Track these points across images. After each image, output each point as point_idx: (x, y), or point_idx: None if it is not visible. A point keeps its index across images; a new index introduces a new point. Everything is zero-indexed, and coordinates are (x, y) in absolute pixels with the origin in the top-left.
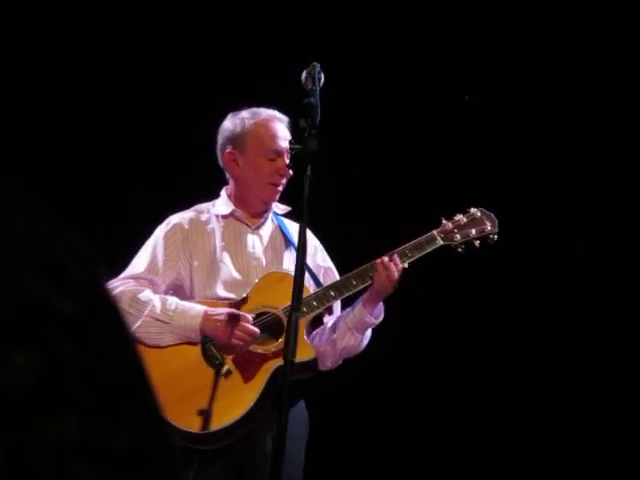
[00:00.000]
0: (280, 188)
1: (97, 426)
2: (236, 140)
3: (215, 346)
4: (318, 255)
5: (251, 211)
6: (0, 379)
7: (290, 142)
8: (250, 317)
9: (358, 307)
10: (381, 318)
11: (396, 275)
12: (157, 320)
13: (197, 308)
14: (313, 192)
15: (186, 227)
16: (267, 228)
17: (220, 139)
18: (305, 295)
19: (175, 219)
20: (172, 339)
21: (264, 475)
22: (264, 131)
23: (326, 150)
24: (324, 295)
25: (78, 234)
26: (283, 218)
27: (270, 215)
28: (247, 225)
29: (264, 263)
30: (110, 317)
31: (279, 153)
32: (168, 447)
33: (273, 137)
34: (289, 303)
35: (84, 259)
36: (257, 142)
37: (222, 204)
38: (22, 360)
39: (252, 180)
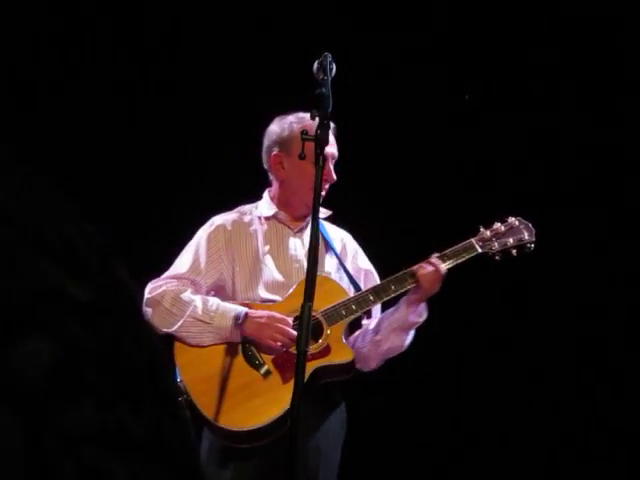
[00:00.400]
0: (324, 193)
1: (114, 411)
2: (283, 143)
3: (255, 346)
4: (359, 258)
5: (294, 214)
6: (16, 365)
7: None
8: (290, 320)
9: (402, 308)
10: (425, 316)
11: (442, 274)
12: (198, 320)
13: (238, 309)
14: (352, 197)
15: (229, 228)
16: (308, 231)
17: (267, 141)
18: (344, 299)
19: (218, 220)
20: (213, 339)
21: (302, 475)
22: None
23: (364, 152)
24: (363, 299)
25: (94, 225)
26: (324, 222)
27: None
28: (289, 228)
29: (305, 266)
30: (125, 303)
31: (325, 158)
32: (185, 432)
33: None
34: (329, 306)
35: (99, 246)
36: (302, 147)
37: (265, 206)
38: (38, 346)
39: (297, 184)
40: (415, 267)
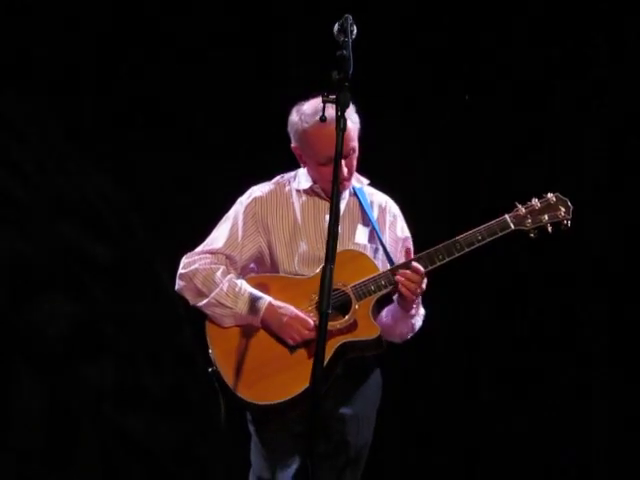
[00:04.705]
0: (346, 183)
1: (133, 369)
2: (297, 139)
3: None
4: (398, 226)
5: (327, 191)
6: (37, 324)
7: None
8: (311, 322)
9: (394, 306)
10: (422, 309)
11: (419, 284)
12: (221, 304)
13: (262, 299)
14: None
15: (266, 200)
16: (345, 202)
17: (288, 128)
18: (375, 274)
19: (256, 192)
20: (233, 322)
21: (333, 446)
22: (315, 139)
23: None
24: (393, 276)
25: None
26: (366, 188)
27: (350, 188)
28: (326, 200)
29: (341, 238)
30: (144, 265)
31: (331, 159)
32: (205, 393)
33: (322, 145)
34: (359, 281)
35: (119, 209)
36: (310, 148)
37: (302, 178)
38: (59, 306)
39: (315, 177)
40: (397, 276)
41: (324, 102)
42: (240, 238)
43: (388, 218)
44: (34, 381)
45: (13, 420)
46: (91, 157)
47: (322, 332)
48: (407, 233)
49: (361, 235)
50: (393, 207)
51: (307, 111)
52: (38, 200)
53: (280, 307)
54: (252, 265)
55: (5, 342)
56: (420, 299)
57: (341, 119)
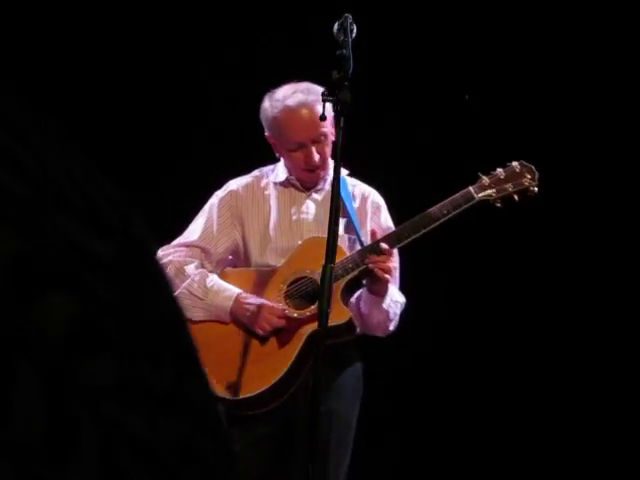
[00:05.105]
0: (318, 170)
1: (133, 366)
2: (269, 126)
3: None
4: (382, 216)
5: (304, 183)
6: (37, 322)
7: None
8: (280, 309)
9: (365, 293)
10: (401, 297)
11: (388, 263)
12: (192, 295)
13: (231, 290)
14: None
15: (242, 194)
16: (325, 193)
17: (261, 118)
18: (342, 258)
19: (232, 185)
20: (203, 315)
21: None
22: (282, 125)
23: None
24: (360, 257)
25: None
26: (347, 177)
27: (329, 179)
28: (302, 191)
29: (316, 228)
30: (145, 260)
31: (301, 144)
32: (206, 390)
33: (292, 131)
34: None
35: (117, 202)
36: (280, 133)
37: (280, 170)
38: (59, 304)
39: (289, 165)
40: (367, 262)
41: (324, 101)
42: (215, 231)
43: (370, 208)
44: (33, 380)
45: (12, 420)
46: (93, 156)
47: (323, 332)
48: (390, 224)
49: (340, 228)
50: (376, 197)
51: (277, 97)
52: (38, 197)
53: (248, 298)
54: (230, 257)
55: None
56: (393, 287)
57: (341, 118)
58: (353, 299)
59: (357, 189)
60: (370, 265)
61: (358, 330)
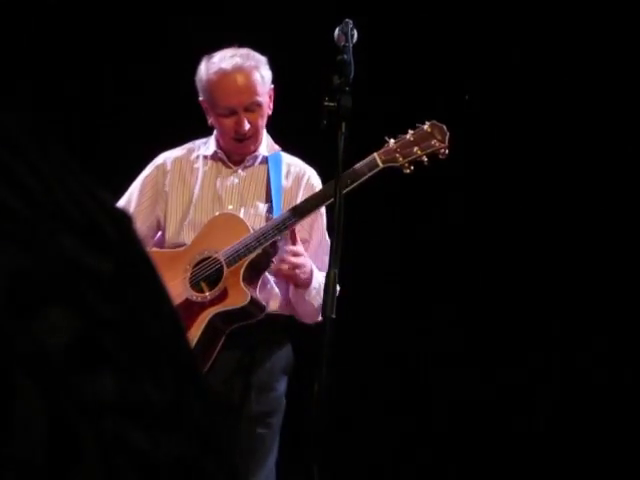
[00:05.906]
0: (247, 142)
1: (134, 382)
2: (202, 89)
3: None
4: (300, 194)
5: (230, 157)
6: (38, 338)
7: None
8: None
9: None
10: (314, 284)
11: (294, 263)
12: None
13: None
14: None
15: (168, 168)
16: (253, 169)
17: (196, 81)
18: (245, 236)
19: (160, 159)
20: None
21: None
22: (215, 87)
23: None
24: (263, 235)
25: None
26: (286, 155)
27: (261, 155)
28: (229, 167)
29: (236, 207)
30: (144, 275)
31: (232, 110)
32: (209, 405)
33: (224, 94)
34: (230, 246)
35: (116, 217)
36: (212, 97)
37: (211, 143)
38: (59, 319)
39: (218, 132)
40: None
41: (325, 107)
42: (133, 208)
43: (303, 189)
44: (34, 396)
45: (13, 435)
46: (92, 171)
47: (328, 338)
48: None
49: (259, 203)
50: (313, 178)
51: (214, 59)
52: (39, 214)
53: None
54: (159, 236)
55: (4, 356)
56: (320, 274)
57: (342, 123)
58: (286, 285)
59: (293, 167)
60: (275, 268)
61: (268, 309)
